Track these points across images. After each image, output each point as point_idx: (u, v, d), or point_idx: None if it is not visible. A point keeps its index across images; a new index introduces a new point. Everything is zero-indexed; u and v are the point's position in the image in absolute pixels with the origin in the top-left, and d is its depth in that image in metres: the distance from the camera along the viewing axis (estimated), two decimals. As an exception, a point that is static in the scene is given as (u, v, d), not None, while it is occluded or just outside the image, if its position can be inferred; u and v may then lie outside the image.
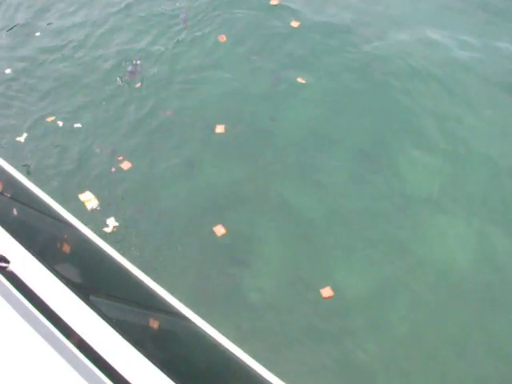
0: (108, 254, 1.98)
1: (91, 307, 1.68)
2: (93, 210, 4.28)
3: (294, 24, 5.64)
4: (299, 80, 5.08)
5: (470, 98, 4.82)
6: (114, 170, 4.57)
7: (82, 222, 2.10)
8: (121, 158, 4.65)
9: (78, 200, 4.32)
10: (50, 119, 5.12)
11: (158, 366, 1.56)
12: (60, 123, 5.07)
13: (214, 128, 4.77)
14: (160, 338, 1.87)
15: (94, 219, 4.20)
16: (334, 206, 4.17)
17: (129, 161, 4.61)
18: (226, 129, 4.77)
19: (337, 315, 3.58)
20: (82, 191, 4.40)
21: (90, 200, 4.35)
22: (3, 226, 1.85)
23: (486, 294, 3.62)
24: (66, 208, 2.15)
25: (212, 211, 4.20)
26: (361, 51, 5.29)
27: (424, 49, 5.28)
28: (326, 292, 3.65)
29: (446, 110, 4.76)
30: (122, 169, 4.57)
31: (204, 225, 4.10)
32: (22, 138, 5.03)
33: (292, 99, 4.97)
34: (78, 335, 1.59)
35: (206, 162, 4.58)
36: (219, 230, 4.03)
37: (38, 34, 6.13)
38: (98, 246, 2.01)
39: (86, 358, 1.51)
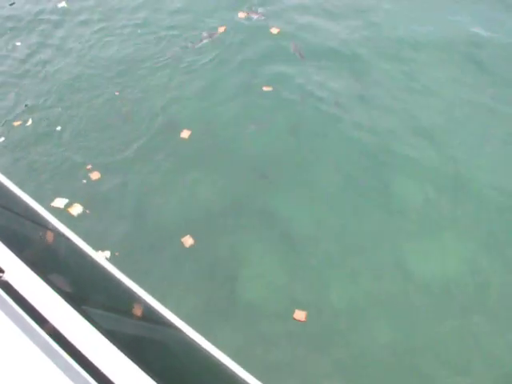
0: (99, 264, 2.01)
1: (84, 316, 1.71)
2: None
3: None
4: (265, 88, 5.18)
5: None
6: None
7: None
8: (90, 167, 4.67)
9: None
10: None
11: (150, 375, 1.60)
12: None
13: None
14: (152, 347, 1.90)
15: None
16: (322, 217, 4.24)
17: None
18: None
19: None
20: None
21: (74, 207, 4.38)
22: (-2, 237, 1.88)
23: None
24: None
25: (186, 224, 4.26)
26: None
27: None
28: (299, 315, 3.64)
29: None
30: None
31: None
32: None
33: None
34: (71, 343, 1.62)
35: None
36: (187, 240, 4.09)
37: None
38: (88, 255, 2.04)
39: (79, 366, 1.54)
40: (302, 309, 3.67)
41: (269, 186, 4.49)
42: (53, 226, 2.10)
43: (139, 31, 6.33)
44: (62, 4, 6.83)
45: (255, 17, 6.21)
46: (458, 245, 4.03)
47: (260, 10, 6.36)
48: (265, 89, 5.28)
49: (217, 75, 5.54)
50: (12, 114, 5.44)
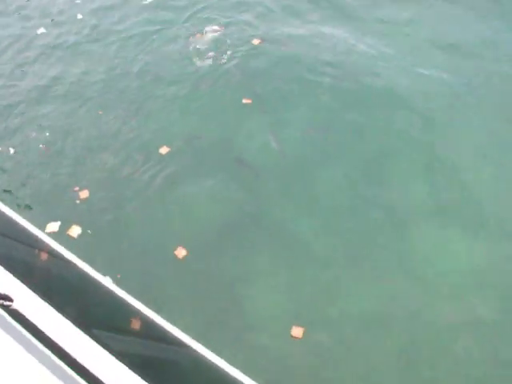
0: (106, 287, 2.05)
1: (94, 339, 1.75)
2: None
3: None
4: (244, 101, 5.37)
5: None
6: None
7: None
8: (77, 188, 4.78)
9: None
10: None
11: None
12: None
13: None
14: (162, 366, 1.93)
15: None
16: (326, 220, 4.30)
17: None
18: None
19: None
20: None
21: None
22: (4, 266, 1.92)
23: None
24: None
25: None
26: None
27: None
28: (296, 332, 3.57)
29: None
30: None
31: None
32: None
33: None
34: (84, 367, 1.66)
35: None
36: (180, 252, 4.13)
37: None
38: (94, 279, 2.09)
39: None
40: (301, 325, 3.59)
41: (271, 197, 4.55)
42: (57, 251, 2.15)
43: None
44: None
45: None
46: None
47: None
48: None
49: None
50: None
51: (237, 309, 3.83)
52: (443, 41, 6.03)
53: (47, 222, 4.47)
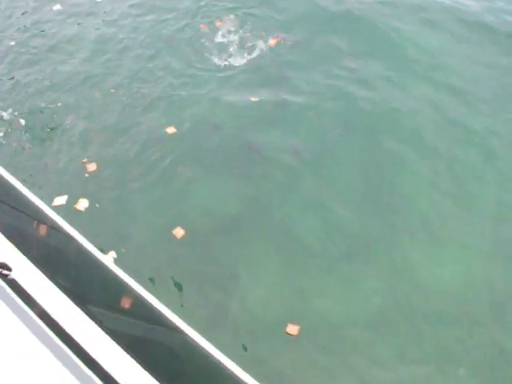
0: (104, 265, 2.05)
1: (89, 316, 1.75)
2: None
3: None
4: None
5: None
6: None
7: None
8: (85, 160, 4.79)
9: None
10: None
11: (151, 373, 1.63)
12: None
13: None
14: (153, 348, 1.94)
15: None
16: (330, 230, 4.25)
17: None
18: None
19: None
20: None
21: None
22: (5, 235, 1.92)
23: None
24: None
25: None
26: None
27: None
28: (292, 329, 3.50)
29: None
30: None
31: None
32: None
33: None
34: (77, 342, 1.66)
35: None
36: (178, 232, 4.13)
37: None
38: (94, 256, 2.08)
39: (84, 365, 1.58)
40: (297, 323, 3.55)
41: (277, 192, 4.51)
42: (58, 225, 2.14)
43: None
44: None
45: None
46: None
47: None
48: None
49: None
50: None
51: (228, 299, 3.81)
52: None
53: (54, 195, 4.49)
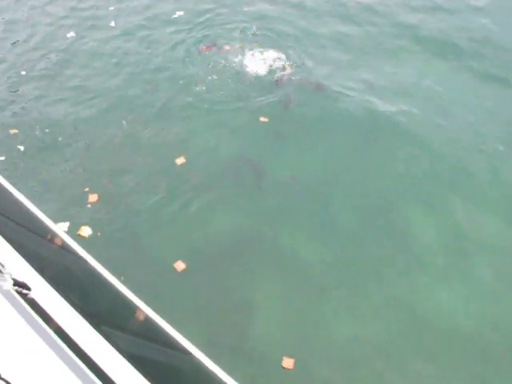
0: (114, 286, 2.17)
1: (102, 335, 1.86)
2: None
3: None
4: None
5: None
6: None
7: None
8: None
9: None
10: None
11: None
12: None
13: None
14: (165, 368, 2.03)
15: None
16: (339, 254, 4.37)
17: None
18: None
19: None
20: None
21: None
22: (26, 258, 2.05)
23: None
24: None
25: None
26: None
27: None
28: (287, 363, 3.58)
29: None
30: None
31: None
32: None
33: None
34: (89, 356, 1.76)
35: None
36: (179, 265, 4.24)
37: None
38: (106, 278, 2.21)
39: (96, 378, 1.68)
40: (293, 356, 3.62)
41: (277, 220, 4.66)
42: (72, 248, 2.28)
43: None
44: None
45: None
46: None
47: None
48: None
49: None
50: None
51: (230, 330, 3.89)
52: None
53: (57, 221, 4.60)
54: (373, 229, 4.56)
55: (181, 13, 7.55)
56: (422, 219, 4.61)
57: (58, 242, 2.32)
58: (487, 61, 6.36)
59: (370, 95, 5.95)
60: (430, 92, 6.01)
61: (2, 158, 5.38)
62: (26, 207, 2.36)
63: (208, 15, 7.48)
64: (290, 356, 3.67)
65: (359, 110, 5.75)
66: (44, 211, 4.72)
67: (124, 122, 5.76)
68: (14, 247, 2.06)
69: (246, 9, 7.55)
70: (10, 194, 2.41)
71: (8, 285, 1.85)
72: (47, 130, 5.72)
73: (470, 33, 6.81)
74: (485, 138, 5.36)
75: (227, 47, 6.74)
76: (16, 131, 5.73)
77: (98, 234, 4.52)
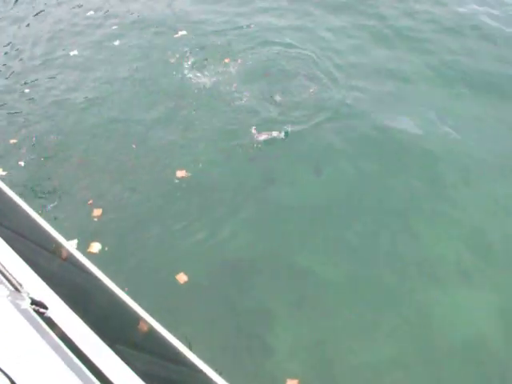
0: (130, 306, 2.23)
1: (117, 354, 1.91)
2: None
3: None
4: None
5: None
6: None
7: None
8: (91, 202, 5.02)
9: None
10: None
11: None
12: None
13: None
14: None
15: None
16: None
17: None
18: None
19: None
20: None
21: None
22: (42, 277, 2.11)
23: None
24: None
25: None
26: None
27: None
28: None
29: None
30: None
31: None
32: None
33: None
34: (104, 375, 1.81)
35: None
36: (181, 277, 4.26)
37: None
38: (119, 297, 2.26)
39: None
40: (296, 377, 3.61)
41: (288, 238, 4.67)
42: (87, 268, 2.33)
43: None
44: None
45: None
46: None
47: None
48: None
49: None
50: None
51: (243, 353, 3.89)
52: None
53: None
54: (387, 247, 4.56)
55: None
56: (438, 236, 4.63)
57: (73, 260, 2.38)
58: None
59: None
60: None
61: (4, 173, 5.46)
62: (41, 226, 2.43)
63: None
64: (295, 377, 3.66)
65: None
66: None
67: (134, 146, 5.82)
68: (30, 266, 2.12)
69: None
70: (26, 213, 2.47)
71: (26, 304, 1.91)
72: (47, 142, 5.82)
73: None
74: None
75: None
76: (15, 141, 5.83)
77: (106, 248, 4.57)
